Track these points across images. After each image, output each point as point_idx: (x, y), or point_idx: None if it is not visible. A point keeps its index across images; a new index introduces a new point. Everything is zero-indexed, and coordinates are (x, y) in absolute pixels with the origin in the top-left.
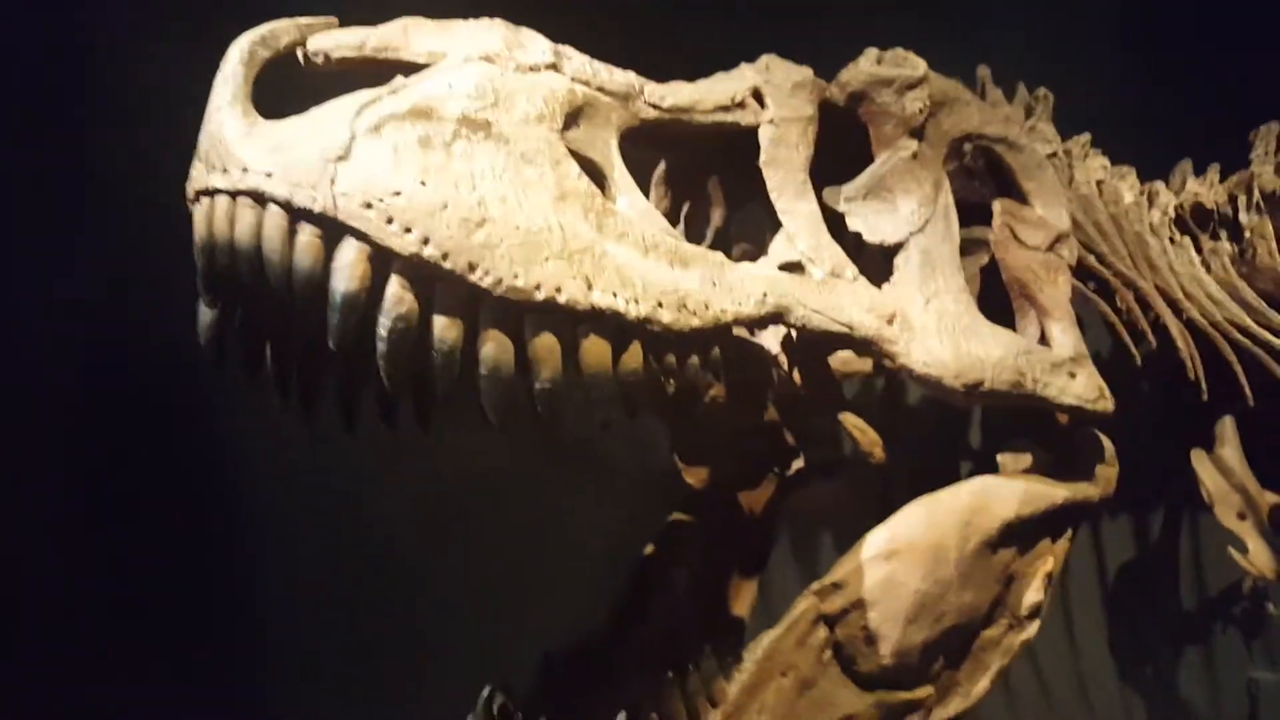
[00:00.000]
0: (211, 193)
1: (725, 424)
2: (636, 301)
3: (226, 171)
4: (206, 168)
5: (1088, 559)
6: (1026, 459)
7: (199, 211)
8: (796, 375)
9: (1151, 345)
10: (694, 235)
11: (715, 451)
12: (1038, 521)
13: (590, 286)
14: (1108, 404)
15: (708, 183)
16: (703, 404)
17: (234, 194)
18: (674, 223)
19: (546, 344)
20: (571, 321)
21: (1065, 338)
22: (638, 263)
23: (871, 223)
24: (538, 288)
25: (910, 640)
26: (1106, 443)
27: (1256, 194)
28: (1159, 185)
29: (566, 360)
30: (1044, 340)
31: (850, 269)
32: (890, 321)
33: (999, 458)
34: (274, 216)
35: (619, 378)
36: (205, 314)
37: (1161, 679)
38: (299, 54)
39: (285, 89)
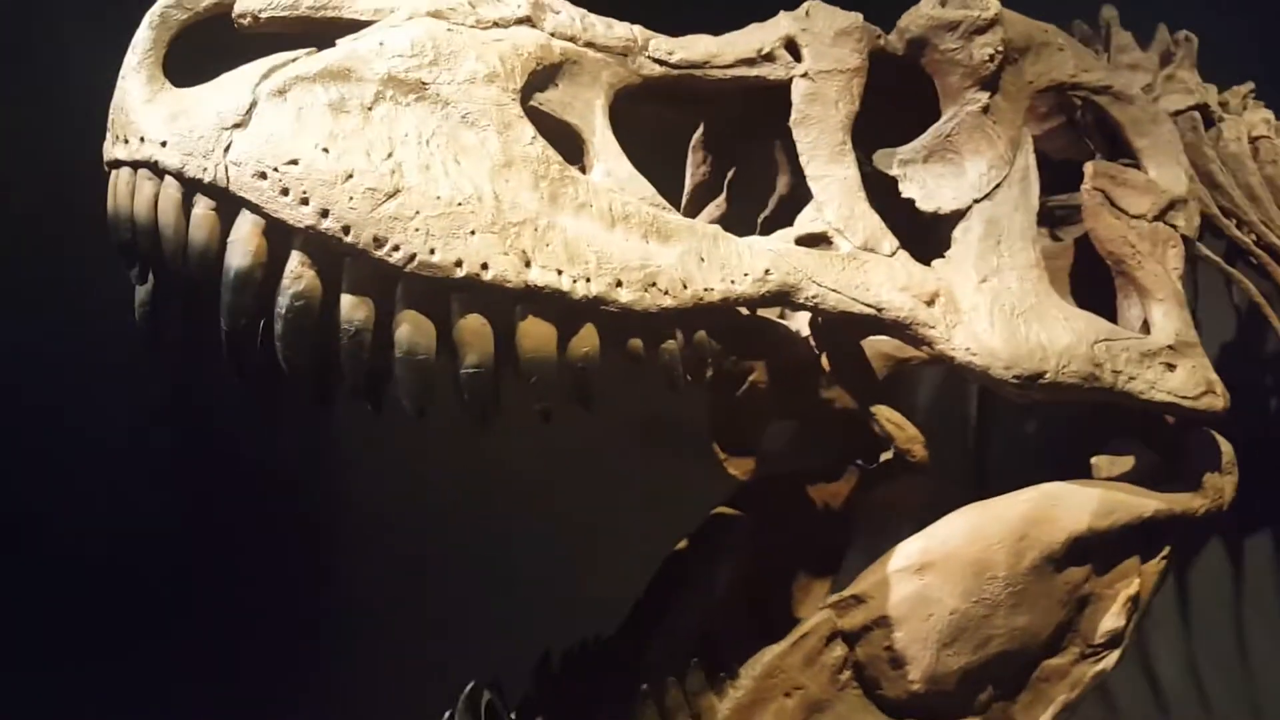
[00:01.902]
0: (117, 164)
1: (770, 412)
2: (587, 280)
3: (127, 142)
4: (113, 138)
5: (1267, 578)
6: (1127, 462)
7: (110, 184)
8: (825, 360)
9: None
10: (757, 204)
11: (761, 440)
12: (1118, 536)
13: (527, 263)
14: (1217, 401)
15: (772, 146)
16: (742, 390)
17: (135, 165)
18: (715, 192)
19: (472, 326)
20: (507, 301)
21: (1168, 322)
22: (598, 237)
23: (930, 189)
24: (458, 264)
25: (946, 665)
26: (1225, 446)
27: None
28: None
29: (503, 343)
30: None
31: (889, 242)
32: (930, 302)
33: (1093, 460)
34: (169, 188)
35: (569, 363)
36: (140, 290)
37: None
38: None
39: None
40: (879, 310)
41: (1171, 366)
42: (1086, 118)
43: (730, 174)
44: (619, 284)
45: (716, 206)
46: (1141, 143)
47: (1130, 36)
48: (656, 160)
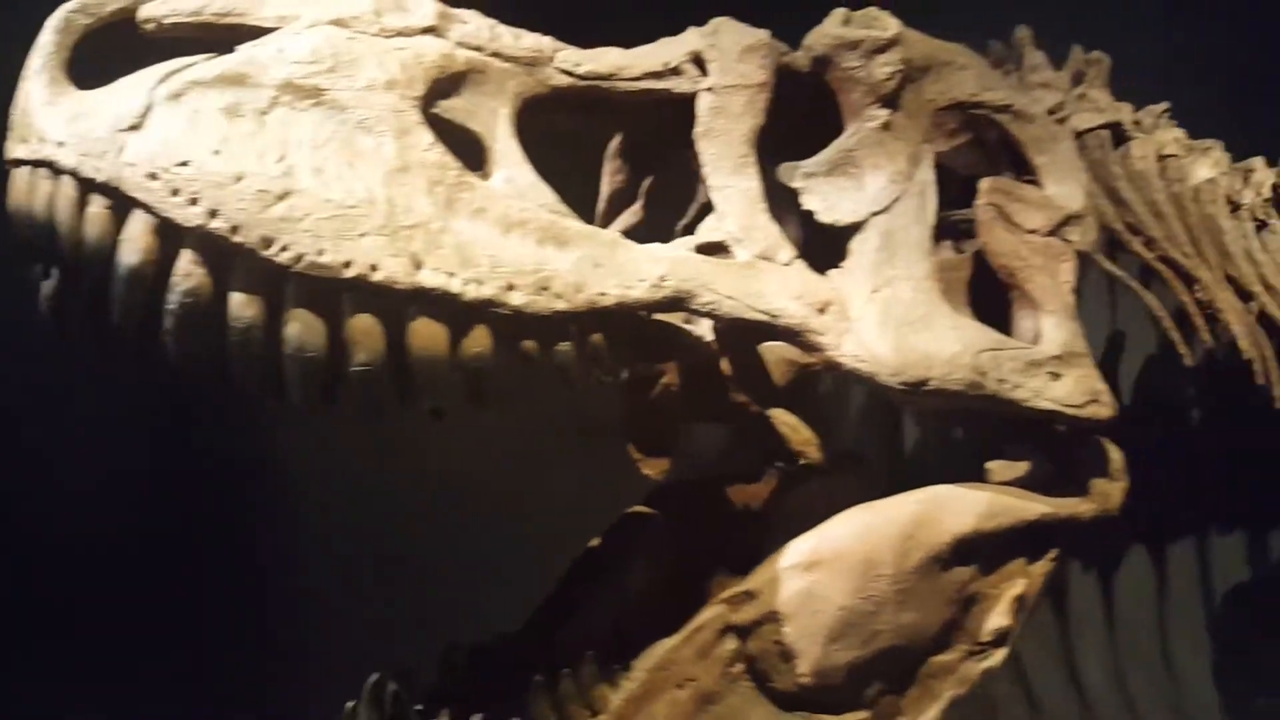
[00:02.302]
0: (18, 163)
1: (684, 414)
2: (480, 283)
3: (27, 141)
4: (15, 138)
5: (1189, 579)
6: (1022, 468)
7: (10, 182)
8: (725, 364)
9: (1206, 341)
10: (675, 212)
11: (677, 441)
12: (1004, 538)
13: (418, 265)
14: (1102, 410)
15: (690, 156)
16: (655, 393)
17: (34, 164)
18: (630, 200)
19: (362, 325)
20: (398, 302)
21: (1056, 333)
22: (493, 241)
23: (830, 201)
24: (346, 265)
25: (834, 659)
26: (1115, 454)
27: None
28: (1257, 162)
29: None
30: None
31: (786, 252)
32: (822, 310)
33: (989, 465)
34: (65, 187)
35: (460, 363)
36: (44, 285)
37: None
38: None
39: None
40: (773, 317)
41: (1057, 376)
42: (992, 135)
43: (647, 182)
44: (511, 287)
45: (633, 214)
46: (1041, 160)
47: (1042, 56)
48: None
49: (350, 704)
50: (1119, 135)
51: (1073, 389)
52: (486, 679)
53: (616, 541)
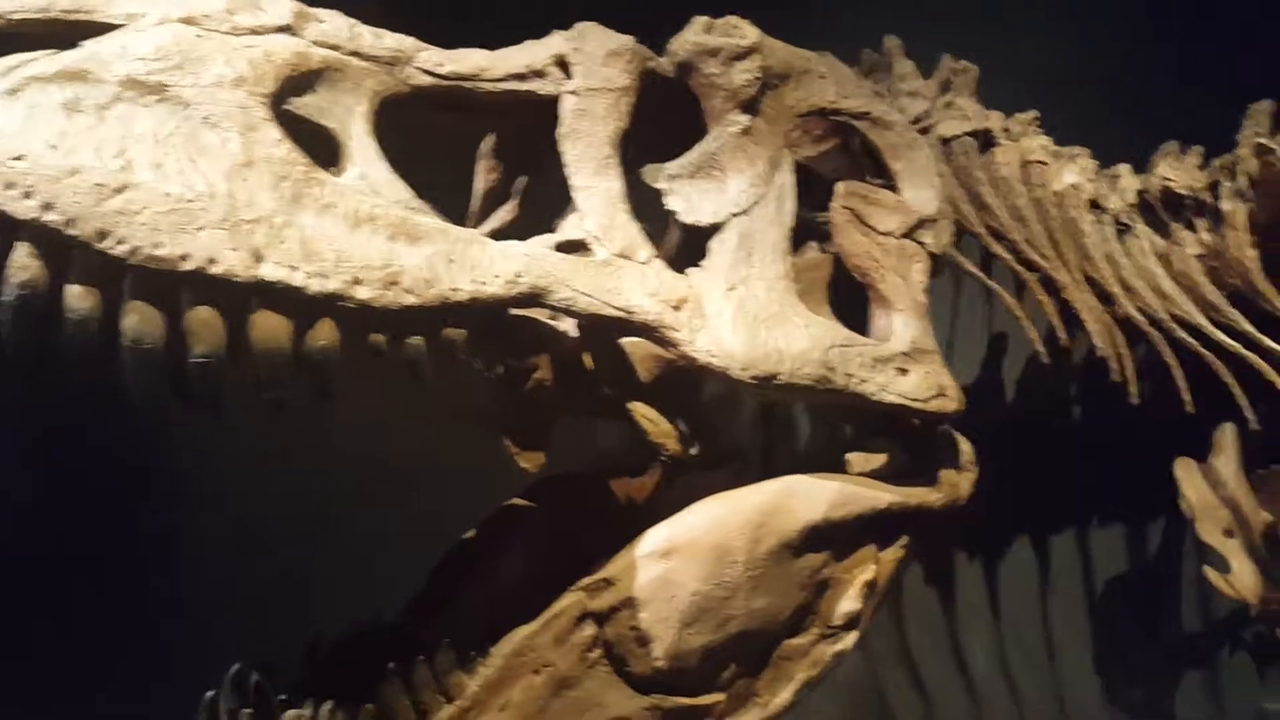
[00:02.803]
0: None
1: (559, 408)
2: (323, 277)
3: None
4: None
5: (1071, 572)
6: (879, 459)
7: None
8: (588, 360)
9: (1062, 339)
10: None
11: (551, 435)
12: (855, 526)
13: (259, 259)
14: (948, 404)
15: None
16: (528, 387)
17: None
18: (503, 198)
19: (201, 317)
20: (239, 296)
21: (906, 330)
22: (340, 236)
23: (693, 202)
24: (184, 258)
25: (687, 644)
26: (965, 445)
27: (1241, 179)
28: (1123, 169)
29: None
30: None
31: (645, 251)
32: (678, 307)
33: (848, 456)
34: None
35: (303, 357)
36: None
37: (1157, 706)
38: None
39: None
40: (628, 313)
41: (905, 371)
42: (856, 141)
43: (523, 181)
44: (358, 281)
45: (508, 213)
46: (897, 165)
47: (911, 65)
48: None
49: (209, 693)
50: (986, 142)
51: (919, 383)
52: (352, 671)
53: (490, 534)
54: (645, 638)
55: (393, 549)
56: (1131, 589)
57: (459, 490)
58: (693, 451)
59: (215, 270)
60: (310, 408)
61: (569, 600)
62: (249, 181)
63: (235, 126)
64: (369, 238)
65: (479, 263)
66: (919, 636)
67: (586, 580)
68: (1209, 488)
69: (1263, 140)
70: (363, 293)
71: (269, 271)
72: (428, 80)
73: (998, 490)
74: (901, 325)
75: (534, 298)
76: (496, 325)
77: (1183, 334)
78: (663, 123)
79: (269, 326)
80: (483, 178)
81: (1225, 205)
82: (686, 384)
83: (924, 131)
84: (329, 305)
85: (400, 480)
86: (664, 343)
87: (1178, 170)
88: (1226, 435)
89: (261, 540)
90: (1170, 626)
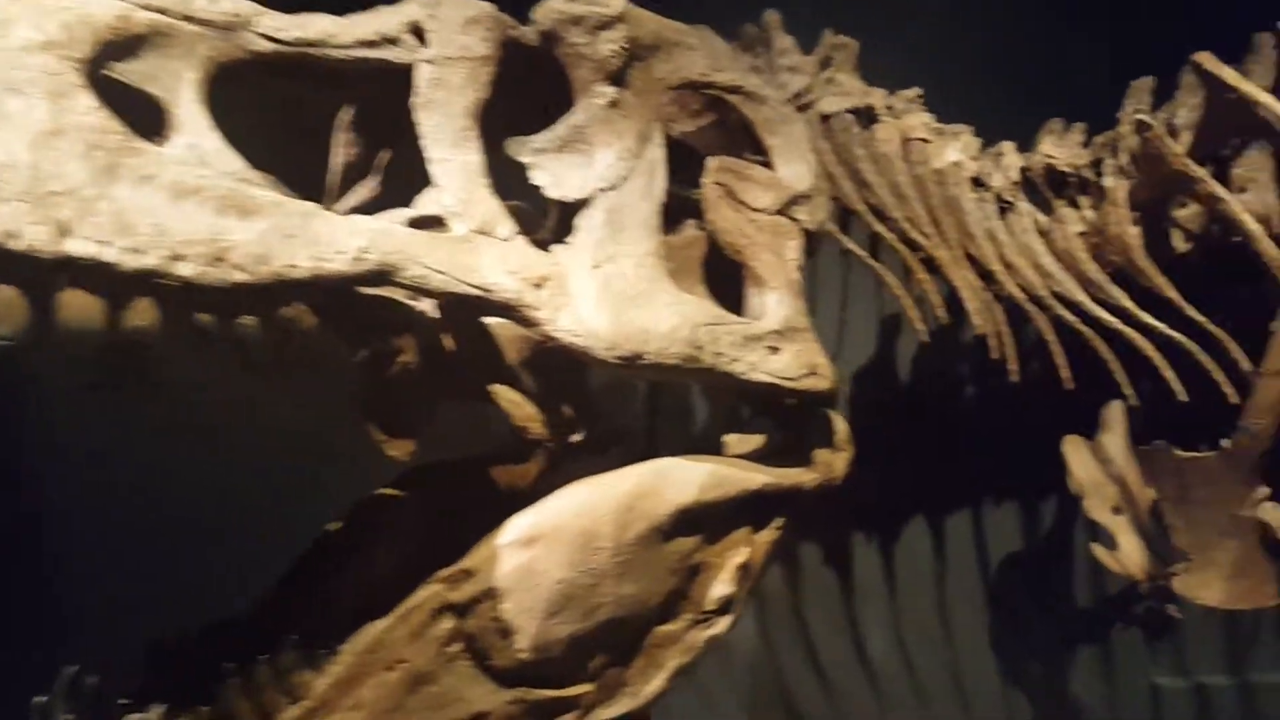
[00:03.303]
0: None
1: (428, 393)
2: (139, 252)
3: None
4: None
5: (967, 550)
6: (757, 440)
7: None
8: (449, 340)
9: (942, 318)
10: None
11: (421, 422)
12: (727, 508)
13: (66, 233)
14: (820, 382)
15: None
16: (393, 370)
17: None
18: (363, 173)
19: (2, 296)
20: (44, 272)
21: (779, 308)
22: (159, 209)
23: (560, 177)
24: None
25: (553, 634)
26: (840, 425)
27: (1123, 156)
28: (1007, 146)
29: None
30: None
31: (505, 227)
32: (540, 285)
33: (725, 438)
34: None
35: (118, 338)
36: None
37: (1052, 682)
38: None
39: None
40: (486, 291)
41: (776, 350)
42: (734, 116)
43: (386, 155)
44: (178, 257)
45: (368, 189)
46: (772, 140)
47: (791, 41)
48: None
49: (39, 699)
50: (868, 119)
51: (790, 362)
52: (198, 671)
53: (358, 525)
54: (508, 629)
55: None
56: (1026, 567)
57: (336, 478)
58: (576, 436)
59: (18, 245)
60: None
61: (426, 593)
62: (57, 151)
63: (42, 93)
64: (194, 211)
65: (320, 238)
66: (817, 618)
67: (446, 571)
68: (1097, 465)
69: (1143, 117)
70: (185, 269)
71: (77, 247)
72: (268, 46)
73: (893, 470)
74: (775, 303)
75: (382, 275)
76: (346, 305)
77: (1063, 311)
78: (534, 95)
79: (80, 306)
80: (341, 152)
81: (1107, 182)
82: (567, 366)
83: (804, 108)
84: (146, 283)
85: (272, 468)
86: (525, 322)
87: (1060, 147)
88: (1114, 412)
89: (112, 533)
90: (1064, 603)
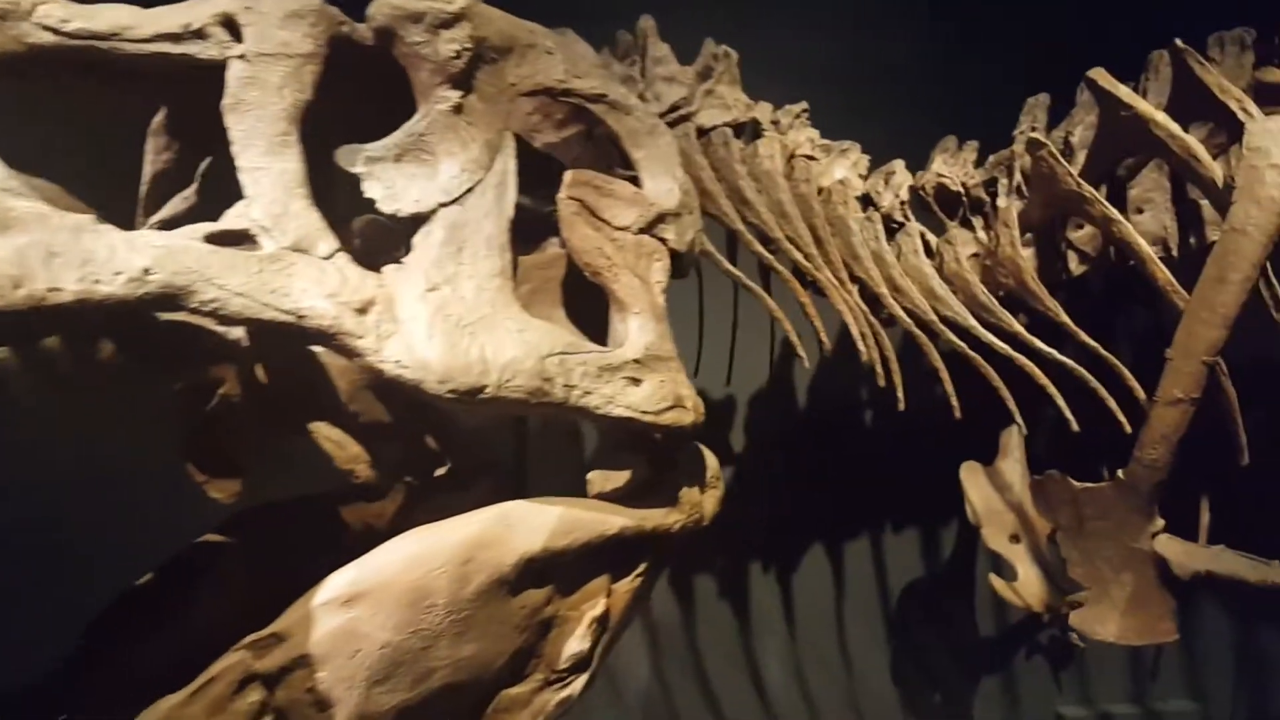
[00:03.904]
0: None
1: (255, 428)
2: None
3: None
4: None
5: (866, 578)
6: (622, 477)
7: None
8: (261, 372)
9: (825, 343)
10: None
11: (248, 459)
12: (581, 556)
13: None
14: (684, 415)
15: None
16: (213, 405)
17: None
18: (183, 183)
19: None
20: None
21: (640, 335)
22: None
23: (396, 189)
24: None
25: (378, 704)
26: (710, 461)
27: (1017, 176)
28: (897, 164)
29: None
30: None
31: (327, 244)
32: (363, 310)
33: (589, 475)
34: None
35: None
36: None
37: (954, 713)
38: None
39: None
40: (298, 317)
41: (637, 381)
42: (600, 127)
43: (204, 163)
44: None
45: (184, 199)
46: (638, 154)
47: (667, 49)
48: None
49: None
50: (752, 133)
51: (651, 394)
52: None
53: (175, 577)
54: (325, 701)
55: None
56: (927, 595)
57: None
58: (440, 470)
59: None
60: None
61: (229, 661)
62: None
63: None
64: None
65: (94, 257)
66: (711, 650)
67: (253, 636)
68: (995, 492)
69: (1036, 135)
70: None
71: None
72: (49, 39)
73: (790, 497)
74: (637, 330)
75: (169, 299)
76: (143, 331)
77: (950, 336)
78: (377, 101)
79: None
80: (153, 159)
81: (1001, 202)
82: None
83: (681, 120)
84: None
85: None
86: (345, 352)
87: (952, 166)
88: (1013, 438)
89: None
90: (966, 633)
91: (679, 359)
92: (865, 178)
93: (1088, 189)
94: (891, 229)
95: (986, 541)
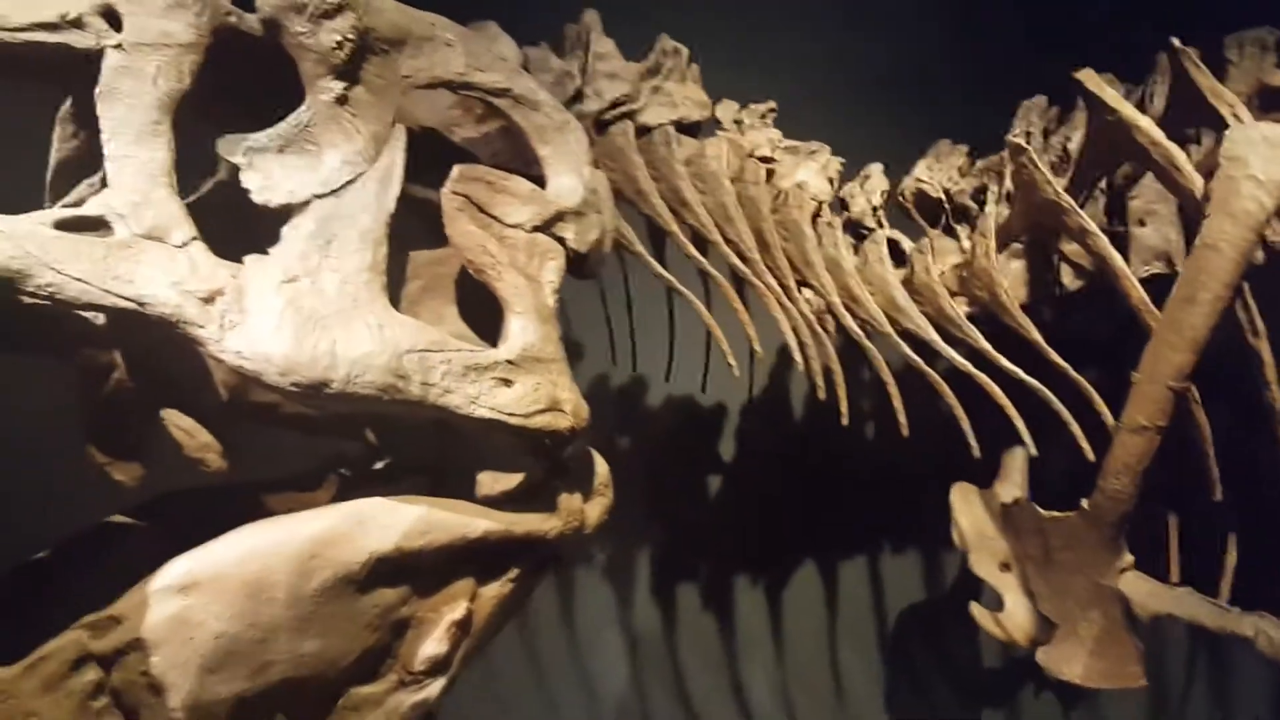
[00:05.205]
0: None
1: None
2: None
3: None
4: None
5: (863, 599)
6: (513, 479)
7: None
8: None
9: (758, 353)
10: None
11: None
12: (440, 558)
13: None
14: (560, 420)
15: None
16: (109, 387)
17: None
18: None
19: None
20: None
21: (521, 336)
22: None
23: (275, 180)
24: None
25: (212, 693)
26: (600, 468)
27: (1007, 183)
28: (874, 168)
29: None
30: None
31: (183, 233)
32: (209, 300)
33: (479, 477)
34: None
35: None
36: None
37: None
38: None
39: None
40: (140, 304)
41: (508, 382)
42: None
43: None
44: None
45: (90, 186)
46: (544, 150)
47: (612, 44)
48: None
49: None
50: (700, 132)
51: (523, 396)
52: None
53: (71, 559)
54: (158, 686)
55: None
56: (927, 619)
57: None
58: (377, 464)
59: None
60: None
61: (65, 640)
62: None
63: None
64: None
65: None
66: (694, 666)
67: (91, 617)
68: (988, 516)
69: (1017, 139)
70: None
71: None
72: None
73: (781, 511)
74: (518, 330)
75: (3, 282)
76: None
77: (906, 349)
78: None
79: None
80: (60, 145)
81: (989, 210)
82: None
83: (624, 117)
84: None
85: None
86: (188, 341)
87: (937, 171)
88: (1015, 460)
89: None
90: (968, 660)
91: (563, 361)
92: (834, 181)
93: (1065, 198)
94: (862, 235)
95: (974, 568)
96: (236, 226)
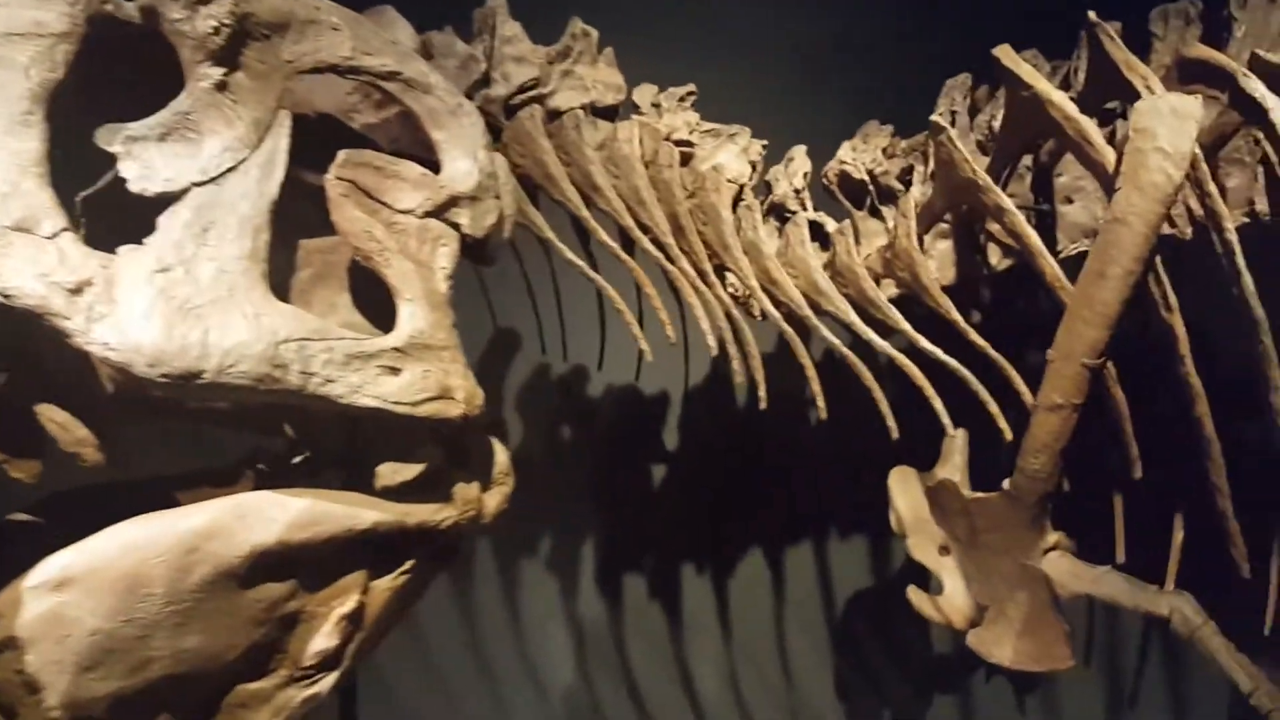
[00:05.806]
0: None
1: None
2: None
3: None
4: None
5: (811, 586)
6: (413, 470)
7: None
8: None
9: (670, 336)
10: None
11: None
12: (329, 550)
13: None
14: (448, 408)
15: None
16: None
17: None
18: None
19: None
20: None
21: (409, 323)
22: None
23: (154, 169)
24: None
25: (90, 690)
26: (501, 457)
27: (932, 163)
28: (797, 151)
29: None
30: None
31: (52, 224)
32: (77, 290)
33: (378, 469)
34: None
35: None
36: None
37: None
38: None
39: None
40: (5, 296)
41: (394, 370)
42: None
43: None
44: None
45: None
46: (438, 134)
47: (519, 28)
48: None
49: None
50: (612, 116)
51: (409, 384)
52: None
53: None
54: (34, 684)
55: None
56: (876, 606)
57: None
58: (297, 458)
59: None
60: None
61: None
62: None
63: None
64: None
65: None
66: (640, 654)
67: None
68: (926, 500)
69: (937, 118)
70: None
71: None
72: None
73: (728, 497)
74: (407, 317)
75: None
76: None
77: (825, 332)
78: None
79: None
80: None
81: (915, 192)
82: None
83: (533, 101)
84: None
85: None
86: (55, 333)
87: (860, 152)
88: (956, 443)
89: None
90: (919, 648)
91: (456, 348)
92: (756, 165)
93: (983, 176)
94: (786, 218)
95: (912, 552)
96: (136, 219)
